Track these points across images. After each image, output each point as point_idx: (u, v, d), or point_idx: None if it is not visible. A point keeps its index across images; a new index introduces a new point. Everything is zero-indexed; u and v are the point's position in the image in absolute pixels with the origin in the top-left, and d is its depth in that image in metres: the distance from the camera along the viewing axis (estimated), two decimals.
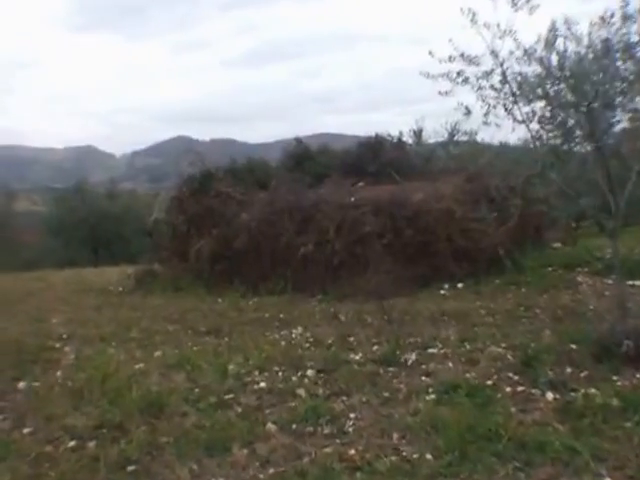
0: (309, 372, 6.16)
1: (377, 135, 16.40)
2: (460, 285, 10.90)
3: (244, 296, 11.36)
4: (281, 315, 9.33)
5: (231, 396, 5.49)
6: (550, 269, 11.27)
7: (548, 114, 6.43)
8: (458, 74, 6.41)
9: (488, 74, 6.42)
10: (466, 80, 6.45)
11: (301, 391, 5.59)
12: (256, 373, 6.17)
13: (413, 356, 6.56)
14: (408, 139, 17.45)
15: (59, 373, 6.33)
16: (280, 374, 6.14)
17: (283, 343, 7.43)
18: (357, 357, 6.62)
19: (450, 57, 6.41)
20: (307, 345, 7.30)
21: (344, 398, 5.39)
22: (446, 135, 23.00)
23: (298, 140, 17.64)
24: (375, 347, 7.00)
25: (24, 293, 14.99)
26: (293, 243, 11.54)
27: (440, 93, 6.59)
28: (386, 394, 5.43)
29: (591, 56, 6.13)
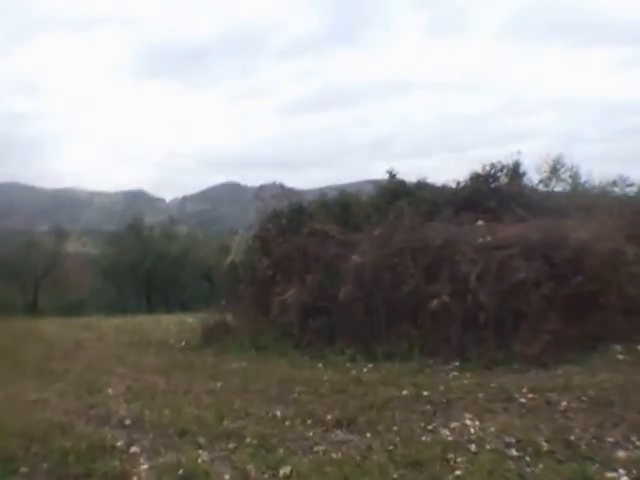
0: None
1: (493, 166, 13.66)
2: None
3: (352, 361, 8.70)
4: (425, 392, 6.63)
5: None
6: None
7: None
8: None
9: None
10: None
11: None
12: None
13: None
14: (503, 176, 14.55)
15: None
16: None
17: (472, 448, 4.71)
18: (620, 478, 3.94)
19: None
20: (513, 452, 4.58)
21: None
22: (547, 170, 20.32)
23: (391, 173, 14.91)
24: (620, 452, 4.46)
25: (72, 344, 12.64)
26: (419, 293, 8.86)
27: None
28: None
29: None
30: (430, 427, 5.36)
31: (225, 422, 5.63)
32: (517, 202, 12.52)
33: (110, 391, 7.32)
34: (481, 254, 8.85)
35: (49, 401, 6.83)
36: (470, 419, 5.55)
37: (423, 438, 5.04)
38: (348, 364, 8.57)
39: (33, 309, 28.40)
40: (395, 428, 5.33)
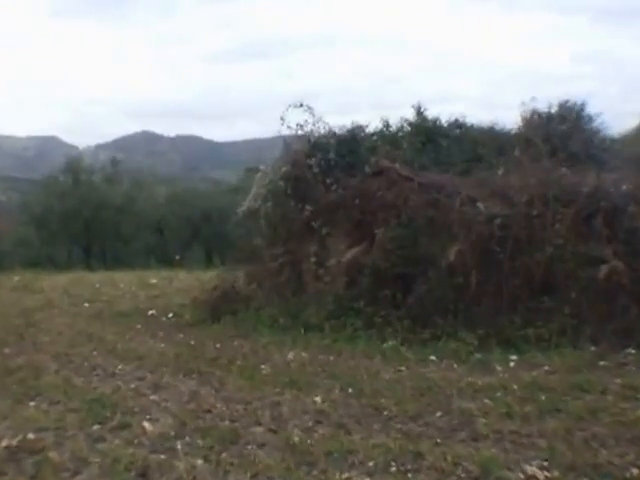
0: None
1: (562, 105, 10.88)
2: None
3: (478, 350, 6.03)
4: None
5: None
6: None
7: None
8: None
9: None
10: None
11: None
12: None
13: None
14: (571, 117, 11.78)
15: None
16: None
17: None
18: None
19: None
20: None
21: None
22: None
23: (419, 110, 11.80)
24: None
25: (19, 318, 9.32)
26: (568, 257, 6.20)
27: None
28: None
29: None
30: None
31: None
32: (599, 149, 10.16)
33: (147, 426, 4.21)
34: None
35: (44, 449, 3.72)
36: None
37: None
38: (477, 355, 5.92)
39: None
40: None
